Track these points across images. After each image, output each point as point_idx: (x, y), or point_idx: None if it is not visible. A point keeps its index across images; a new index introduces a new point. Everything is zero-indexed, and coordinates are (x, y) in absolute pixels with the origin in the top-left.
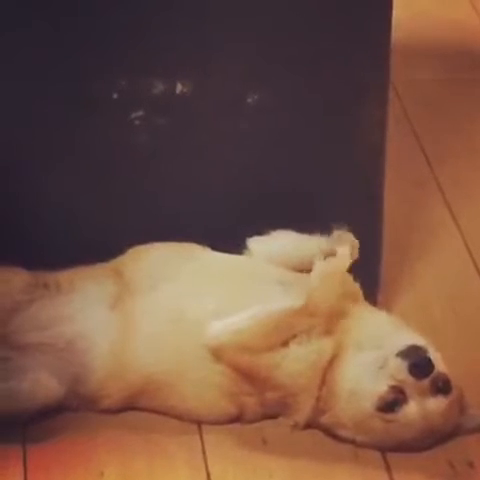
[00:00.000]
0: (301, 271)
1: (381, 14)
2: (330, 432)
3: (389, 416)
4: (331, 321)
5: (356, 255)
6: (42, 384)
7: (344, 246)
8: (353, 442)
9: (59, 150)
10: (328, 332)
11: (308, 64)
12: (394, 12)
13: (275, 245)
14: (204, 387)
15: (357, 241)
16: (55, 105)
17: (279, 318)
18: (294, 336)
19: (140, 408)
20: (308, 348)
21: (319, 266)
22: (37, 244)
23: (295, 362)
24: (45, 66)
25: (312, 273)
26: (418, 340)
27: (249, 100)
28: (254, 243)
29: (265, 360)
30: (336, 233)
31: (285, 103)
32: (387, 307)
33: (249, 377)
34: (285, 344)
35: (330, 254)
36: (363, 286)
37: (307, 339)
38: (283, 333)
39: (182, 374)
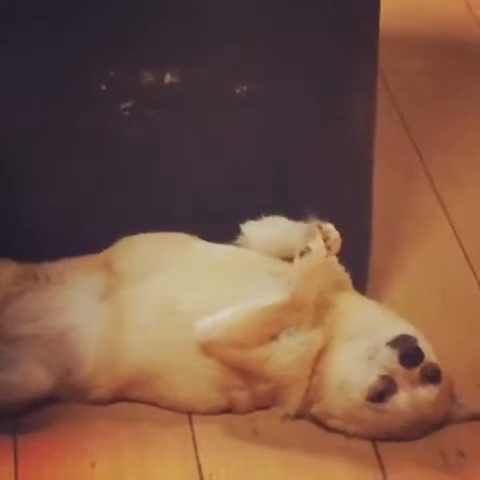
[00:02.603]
0: (291, 259)
1: (369, 4)
2: (321, 422)
3: (379, 406)
4: (320, 312)
5: (337, 245)
6: (32, 376)
7: (316, 240)
8: (344, 432)
9: (48, 142)
10: (317, 323)
11: (296, 55)
12: (383, 3)
13: (267, 230)
14: (194, 379)
15: (336, 232)
16: (44, 97)
17: (267, 314)
18: (283, 329)
19: (131, 399)
20: (297, 340)
21: (296, 264)
22: (27, 236)
23: (285, 354)
24: (33, 59)
25: (292, 271)
26: (408, 329)
27: (238, 90)
28: (248, 228)
29: (255, 354)
30: (313, 225)
31: (273, 94)
32: (376, 297)
33: (239, 371)
34: (274, 338)
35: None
36: (352, 276)
37: (296, 331)
38: (272, 328)
39: (172, 366)
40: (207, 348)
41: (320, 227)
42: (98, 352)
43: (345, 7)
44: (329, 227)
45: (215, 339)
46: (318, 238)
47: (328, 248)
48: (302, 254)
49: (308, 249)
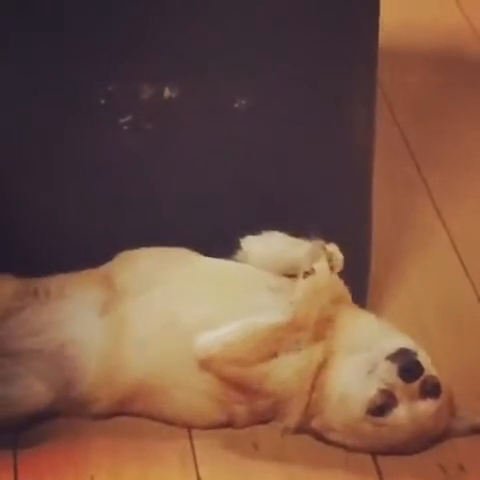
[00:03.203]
0: (291, 275)
1: (369, 15)
2: (321, 436)
3: (379, 419)
4: (319, 326)
5: (340, 266)
6: (33, 390)
7: (321, 261)
8: (344, 446)
9: (47, 156)
10: (317, 337)
11: (295, 68)
12: (383, 15)
13: (267, 246)
14: (194, 394)
15: (340, 254)
16: (43, 111)
17: (268, 333)
18: (283, 347)
19: (131, 413)
20: (297, 355)
21: (300, 285)
22: (26, 251)
23: (285, 370)
24: (32, 71)
25: (295, 291)
26: (407, 343)
27: (236, 105)
28: (247, 243)
29: (254, 372)
30: (318, 245)
31: (272, 107)
32: (376, 310)
33: (239, 387)
34: (274, 354)
35: (315, 260)
36: (352, 289)
37: (296, 347)
38: (271, 346)
39: (172, 380)
40: (206, 364)
41: (324, 248)
42: (98, 366)
43: (344, 19)
44: (333, 248)
45: (214, 355)
46: (322, 259)
47: (331, 269)
48: (306, 275)
49: (312, 270)
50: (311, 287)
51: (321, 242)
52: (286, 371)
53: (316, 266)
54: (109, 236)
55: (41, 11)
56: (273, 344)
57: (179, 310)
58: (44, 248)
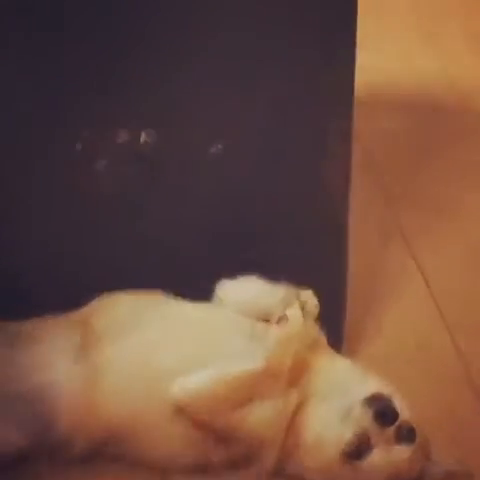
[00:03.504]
0: (266, 320)
1: (344, 63)
2: None
3: (355, 463)
4: (295, 371)
5: (314, 312)
6: (7, 435)
7: (293, 308)
8: None
9: (23, 200)
10: (292, 382)
11: (270, 115)
12: (359, 63)
13: (242, 290)
14: (170, 438)
15: (314, 300)
16: (18, 156)
17: (241, 380)
18: (258, 393)
19: (107, 456)
20: (272, 401)
21: (273, 332)
22: (3, 294)
23: (260, 416)
24: (6, 118)
25: (268, 339)
26: (383, 388)
27: (212, 150)
28: (223, 287)
29: (229, 418)
30: (291, 292)
31: (247, 152)
32: (352, 355)
33: (214, 432)
34: (249, 401)
35: (288, 307)
36: (328, 334)
37: (271, 394)
38: (246, 393)
39: (148, 424)
40: (181, 410)
41: (298, 295)
42: (74, 410)
43: (319, 66)
44: (307, 295)
45: (189, 402)
46: (295, 306)
47: (305, 316)
48: (279, 321)
49: (285, 317)
50: (284, 334)
51: (295, 289)
52: (261, 417)
53: (289, 313)
54: (86, 280)
55: (18, 55)
56: (247, 391)
57: (155, 355)
58: (22, 292)
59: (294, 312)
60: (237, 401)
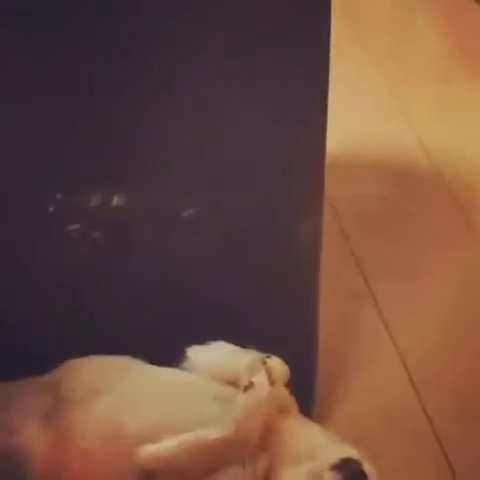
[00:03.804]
0: (236, 385)
1: (316, 127)
2: None
3: None
4: (264, 436)
5: (283, 378)
6: None
7: (259, 375)
8: None
9: None
10: (262, 448)
11: (242, 182)
12: (332, 128)
13: (212, 355)
14: None
15: (282, 366)
16: None
17: (209, 449)
18: (226, 461)
19: None
20: (241, 469)
21: (240, 401)
22: None
23: None
24: None
25: (236, 406)
26: (352, 453)
27: (184, 214)
28: (193, 352)
29: None
30: (258, 358)
31: (219, 218)
32: (322, 420)
33: None
34: (217, 468)
35: (254, 373)
36: (298, 399)
37: (240, 460)
38: (214, 461)
39: None
40: (149, 477)
41: (264, 362)
42: (44, 474)
43: (290, 131)
44: (274, 362)
45: (157, 469)
46: (262, 373)
47: (272, 383)
48: (245, 389)
49: (251, 384)
50: (251, 402)
51: (261, 355)
52: None
53: (255, 380)
54: (56, 343)
55: None
56: (215, 459)
57: (123, 421)
58: None
59: (260, 379)
60: (205, 468)
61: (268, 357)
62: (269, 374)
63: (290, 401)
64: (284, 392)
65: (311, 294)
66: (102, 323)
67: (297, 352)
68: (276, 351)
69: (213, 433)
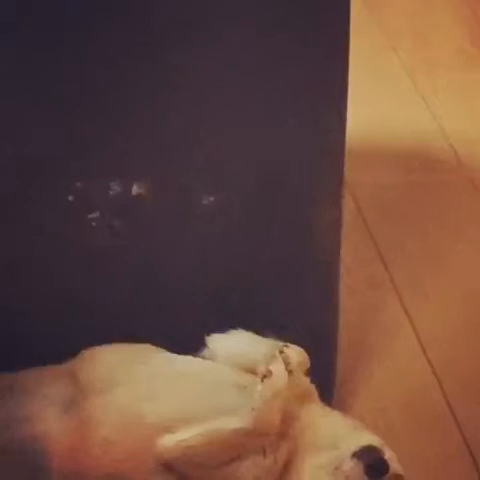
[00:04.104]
0: (256, 373)
1: (336, 115)
2: None
3: None
4: (285, 424)
5: (304, 368)
6: None
7: (277, 364)
8: None
9: (14, 253)
10: (282, 436)
11: (261, 167)
12: (351, 115)
13: (232, 344)
14: None
15: (300, 355)
16: (9, 207)
17: (229, 439)
18: (247, 450)
19: None
20: (262, 456)
21: (258, 390)
22: None
23: (250, 471)
24: None
25: (254, 397)
26: (373, 440)
27: (204, 201)
28: (213, 341)
29: (219, 472)
30: (274, 346)
31: (240, 205)
32: (342, 408)
33: None
34: (238, 457)
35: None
36: (319, 387)
37: (261, 450)
38: (234, 452)
39: (138, 477)
40: (169, 467)
41: (281, 351)
42: (63, 463)
43: (311, 119)
44: (292, 351)
45: (176, 460)
46: (279, 363)
47: (290, 372)
48: (263, 378)
49: (269, 373)
50: (269, 391)
51: (279, 344)
52: (252, 471)
53: (272, 369)
54: (75, 331)
55: (11, 105)
56: (236, 449)
57: (143, 409)
58: (8, 344)
59: (278, 367)
60: (226, 458)
61: (286, 346)
62: (286, 363)
63: (311, 388)
64: (304, 380)
65: (331, 281)
66: (121, 311)
67: (317, 339)
68: (296, 338)
69: (232, 424)
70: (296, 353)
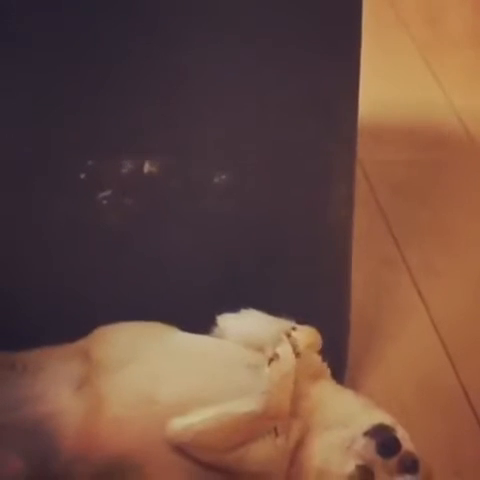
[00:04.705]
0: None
1: (348, 93)
2: None
3: None
4: (296, 402)
5: (316, 348)
6: (8, 465)
7: (284, 346)
8: None
9: (25, 231)
10: (294, 413)
11: (274, 145)
12: (362, 93)
13: (244, 323)
14: (170, 471)
15: (312, 337)
16: (20, 186)
17: (241, 423)
18: (259, 433)
19: None
20: (273, 437)
21: (266, 373)
22: (3, 325)
23: (262, 451)
24: (7, 148)
25: (263, 379)
26: (385, 419)
27: (216, 180)
28: (224, 320)
29: (230, 455)
30: (281, 328)
31: (251, 183)
32: (354, 386)
33: (215, 468)
34: (250, 439)
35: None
36: (330, 365)
37: (273, 431)
38: (246, 434)
39: (149, 457)
40: (181, 449)
41: (288, 334)
42: (76, 441)
43: (323, 98)
44: (300, 333)
45: (188, 443)
46: (286, 345)
47: (297, 354)
48: (270, 361)
49: (276, 356)
50: (276, 374)
51: (287, 326)
52: (264, 452)
53: (279, 351)
54: (87, 311)
55: (20, 84)
56: (247, 433)
57: (155, 388)
58: (21, 322)
59: (285, 349)
60: (238, 441)
61: (294, 328)
62: (294, 346)
63: (322, 367)
64: (316, 359)
65: (343, 260)
66: (134, 290)
67: (329, 318)
68: (308, 317)
69: (243, 407)
70: (305, 334)
